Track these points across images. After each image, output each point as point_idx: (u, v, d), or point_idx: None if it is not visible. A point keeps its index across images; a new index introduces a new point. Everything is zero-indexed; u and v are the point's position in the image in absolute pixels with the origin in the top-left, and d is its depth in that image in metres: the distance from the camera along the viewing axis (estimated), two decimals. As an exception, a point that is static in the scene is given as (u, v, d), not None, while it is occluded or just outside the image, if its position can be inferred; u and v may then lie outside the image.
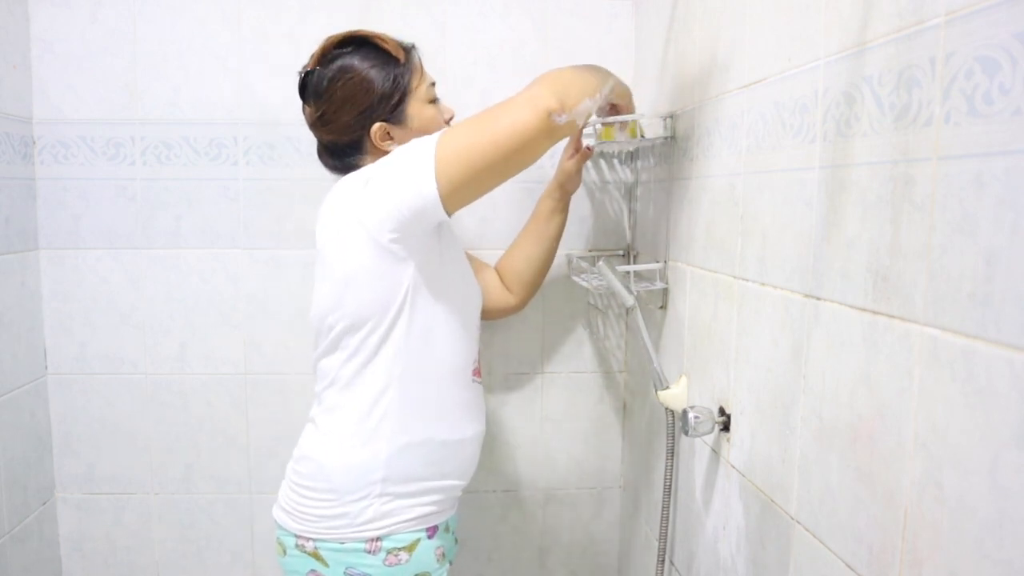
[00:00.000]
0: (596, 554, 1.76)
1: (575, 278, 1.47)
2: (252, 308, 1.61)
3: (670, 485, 1.31)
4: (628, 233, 1.65)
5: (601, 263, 1.20)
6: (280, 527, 1.14)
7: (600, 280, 1.33)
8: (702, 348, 1.17)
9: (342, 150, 1.17)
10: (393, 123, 1.15)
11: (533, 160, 1.04)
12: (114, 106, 1.54)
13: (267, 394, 1.63)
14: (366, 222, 1.03)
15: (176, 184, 1.56)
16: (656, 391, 1.25)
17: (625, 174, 1.63)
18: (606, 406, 1.71)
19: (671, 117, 1.31)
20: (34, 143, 1.54)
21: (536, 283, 1.46)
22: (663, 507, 1.31)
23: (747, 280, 1.00)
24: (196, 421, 1.63)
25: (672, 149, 1.32)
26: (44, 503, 1.59)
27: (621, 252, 1.64)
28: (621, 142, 1.33)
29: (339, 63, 1.13)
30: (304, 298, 1.60)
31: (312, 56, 1.17)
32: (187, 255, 1.59)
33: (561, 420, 1.70)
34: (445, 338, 1.11)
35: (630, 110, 1.24)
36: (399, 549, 1.08)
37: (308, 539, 1.09)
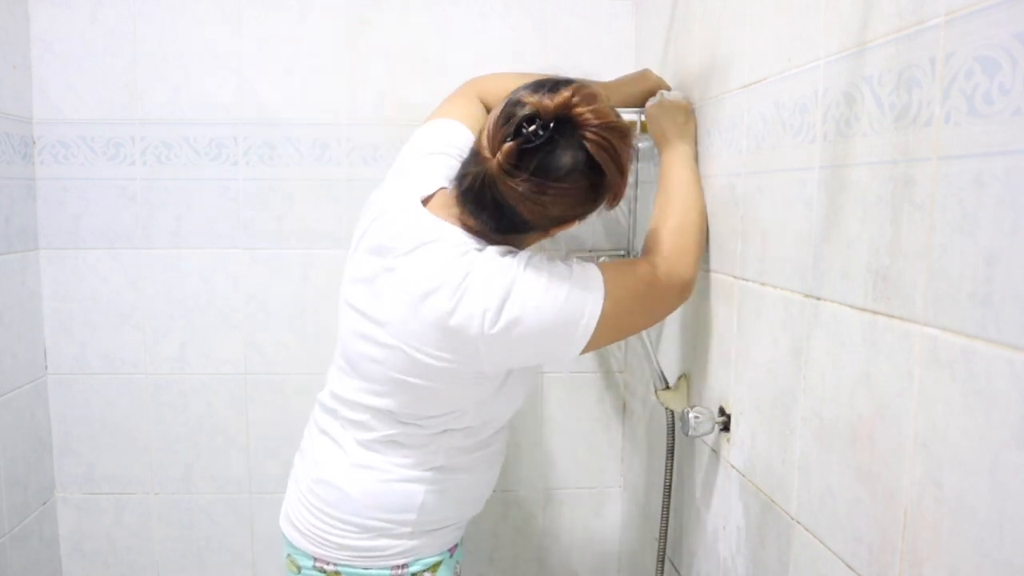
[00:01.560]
0: (596, 554, 1.76)
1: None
2: (252, 308, 1.61)
3: (670, 485, 1.31)
4: (628, 233, 1.64)
5: (602, 261, 1.20)
6: (294, 547, 1.08)
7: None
8: (702, 348, 1.17)
9: (512, 220, 0.93)
10: (561, 226, 0.99)
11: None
12: (114, 106, 1.54)
13: (267, 394, 1.63)
14: (484, 356, 0.92)
15: (176, 184, 1.56)
16: (656, 391, 1.25)
17: (625, 174, 1.63)
18: (606, 406, 1.71)
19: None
20: (34, 143, 1.54)
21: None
22: (663, 507, 1.31)
23: (747, 280, 1.00)
24: (196, 421, 1.63)
25: (672, 149, 1.32)
26: (44, 503, 1.59)
27: (621, 252, 1.64)
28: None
29: (594, 154, 0.89)
30: (304, 298, 1.60)
31: (556, 99, 0.88)
32: (187, 255, 1.59)
33: (561, 420, 1.70)
34: (497, 418, 1.08)
35: None
36: (423, 572, 1.07)
37: (328, 563, 1.05)
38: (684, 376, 1.24)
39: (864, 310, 0.73)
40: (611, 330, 0.95)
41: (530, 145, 0.86)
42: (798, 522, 0.87)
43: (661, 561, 1.34)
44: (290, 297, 1.60)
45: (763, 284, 0.95)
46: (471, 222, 0.96)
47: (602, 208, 0.96)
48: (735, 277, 1.04)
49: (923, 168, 0.64)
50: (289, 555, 1.11)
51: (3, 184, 1.43)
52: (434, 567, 1.09)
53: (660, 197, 1.10)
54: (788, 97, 0.88)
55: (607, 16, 1.59)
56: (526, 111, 0.87)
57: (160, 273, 1.59)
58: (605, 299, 0.93)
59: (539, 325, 0.91)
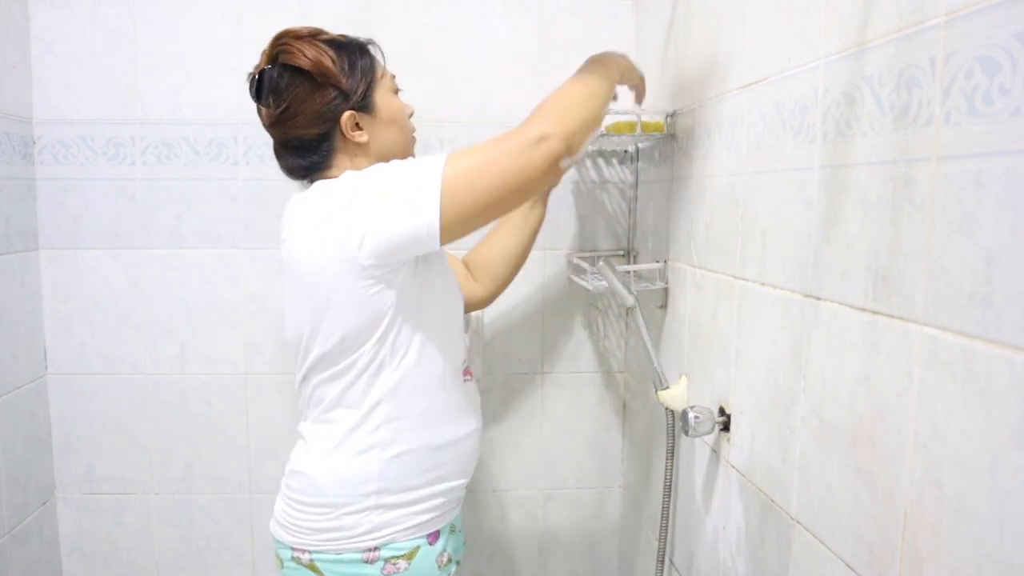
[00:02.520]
0: (596, 554, 1.76)
1: (575, 278, 1.47)
2: (252, 308, 1.61)
3: (670, 485, 1.31)
4: (628, 233, 1.65)
5: (601, 263, 1.20)
6: (276, 540, 1.11)
7: (600, 280, 1.33)
8: (702, 348, 1.17)
9: (309, 145, 1.09)
10: (363, 112, 1.09)
11: (530, 199, 1.07)
12: (114, 106, 1.54)
13: (267, 394, 1.63)
14: (351, 245, 0.97)
15: (176, 184, 1.56)
16: (656, 391, 1.25)
17: (625, 174, 1.63)
18: (606, 406, 1.71)
19: (671, 116, 1.31)
20: (34, 143, 1.54)
21: (508, 278, 1.38)
22: (663, 507, 1.31)
23: (747, 280, 1.00)
24: (196, 421, 1.63)
25: (672, 149, 1.32)
26: (44, 503, 1.59)
27: (621, 252, 1.64)
28: (625, 136, 1.32)
29: (303, 53, 1.07)
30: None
31: (263, 54, 1.11)
32: (187, 255, 1.59)
33: (561, 420, 1.70)
34: (431, 350, 1.08)
35: (642, 93, 1.22)
36: (397, 557, 1.06)
37: (304, 551, 1.07)
38: (684, 376, 1.24)
39: (864, 310, 0.73)
40: (464, 183, 0.95)
41: (252, 85, 1.10)
42: (798, 522, 0.87)
43: (661, 561, 1.34)
44: (290, 297, 1.60)
45: (763, 284, 0.95)
46: (299, 173, 1.14)
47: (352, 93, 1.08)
48: (735, 277, 1.04)
49: (923, 168, 0.64)
50: (276, 551, 1.13)
51: (3, 184, 1.44)
52: (410, 554, 1.07)
53: None
54: (788, 97, 0.88)
55: (607, 16, 1.59)
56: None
57: (160, 273, 1.59)
58: (449, 158, 0.97)
59: (381, 190, 0.98)
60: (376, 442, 1.06)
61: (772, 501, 0.94)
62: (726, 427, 1.07)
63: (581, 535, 1.75)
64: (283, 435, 1.64)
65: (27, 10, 1.51)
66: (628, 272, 1.29)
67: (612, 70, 1.12)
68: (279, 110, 1.08)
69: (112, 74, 1.53)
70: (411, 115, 1.19)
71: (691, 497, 1.23)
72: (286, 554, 1.09)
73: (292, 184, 1.57)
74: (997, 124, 0.55)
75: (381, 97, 1.12)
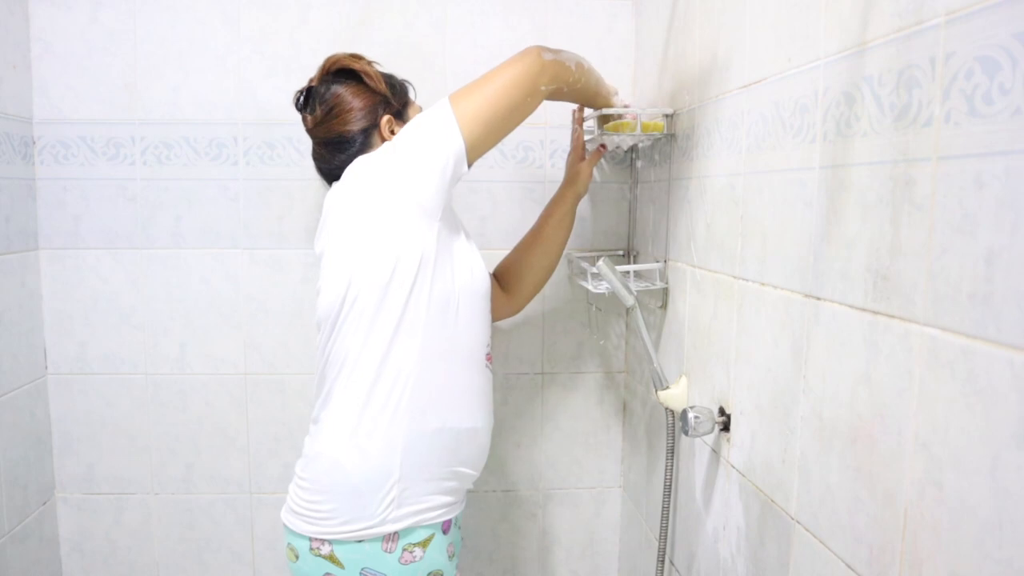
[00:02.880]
0: (596, 554, 1.76)
1: (575, 278, 1.47)
2: (252, 308, 1.61)
3: (670, 485, 1.31)
4: (628, 233, 1.65)
5: (601, 263, 1.20)
6: (291, 531, 1.11)
7: (600, 280, 1.33)
8: (702, 348, 1.17)
9: (352, 141, 1.19)
10: (398, 119, 1.22)
11: (536, 103, 1.18)
12: (114, 106, 1.54)
13: (267, 394, 1.63)
14: (398, 184, 1.07)
15: (176, 184, 1.56)
16: (656, 391, 1.25)
17: (625, 174, 1.63)
18: (606, 406, 1.71)
19: (671, 116, 1.31)
20: (34, 143, 1.54)
21: (537, 289, 1.45)
22: (663, 507, 1.31)
23: (747, 280, 1.00)
24: (196, 421, 1.63)
25: (672, 149, 1.32)
26: (44, 503, 1.59)
27: (621, 252, 1.64)
28: (625, 136, 1.32)
29: (352, 63, 1.21)
30: (304, 298, 1.61)
31: (317, 73, 1.23)
32: (187, 255, 1.59)
33: (561, 420, 1.70)
34: (462, 316, 1.11)
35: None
36: (414, 545, 1.08)
37: (324, 541, 1.07)
38: (684, 376, 1.24)
39: (864, 310, 0.73)
40: (469, 100, 1.11)
41: (300, 99, 1.23)
42: (798, 522, 0.87)
43: (661, 561, 1.34)
44: (290, 297, 1.60)
45: (763, 284, 0.95)
46: (334, 171, 1.21)
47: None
48: (735, 277, 1.04)
49: (923, 168, 0.64)
50: (288, 544, 1.13)
51: (3, 184, 1.44)
52: (425, 542, 1.09)
53: None
54: (788, 97, 0.88)
55: (607, 16, 1.59)
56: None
57: (160, 273, 1.59)
58: (451, 97, 1.12)
59: (411, 135, 1.11)
60: (401, 420, 1.07)
61: (772, 501, 0.94)
62: (726, 427, 1.07)
63: (581, 535, 1.75)
64: (283, 435, 1.64)
65: (27, 10, 1.51)
66: (628, 272, 1.29)
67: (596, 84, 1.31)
68: (327, 113, 1.20)
69: (112, 74, 1.53)
70: None
71: (691, 497, 1.23)
72: (303, 545, 1.09)
73: (290, 185, 1.58)
74: (997, 124, 0.55)
75: (412, 114, 1.25)
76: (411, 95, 1.29)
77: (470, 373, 1.14)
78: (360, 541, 1.06)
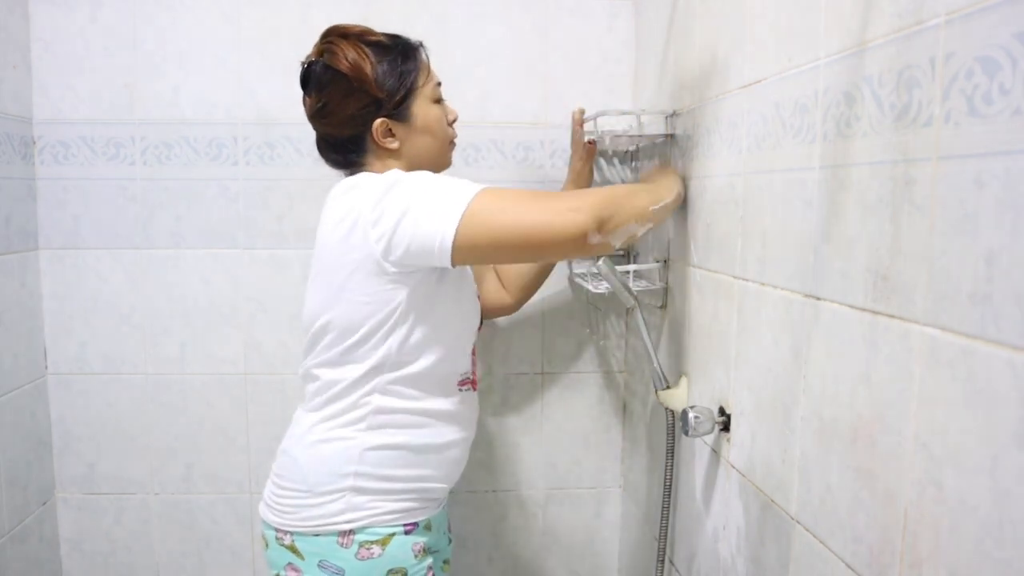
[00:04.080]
0: (596, 554, 1.76)
1: (575, 278, 1.47)
2: (252, 308, 1.61)
3: (670, 485, 1.31)
4: (628, 233, 1.64)
5: (601, 263, 1.20)
6: (263, 522, 1.15)
7: (600, 280, 1.33)
8: (702, 348, 1.17)
9: (342, 144, 1.15)
10: (396, 120, 1.13)
11: (551, 261, 1.11)
12: (114, 106, 1.54)
13: (267, 394, 1.63)
14: (372, 239, 1.01)
15: (176, 184, 1.56)
16: (656, 391, 1.25)
17: (625, 174, 1.63)
18: (606, 406, 1.71)
19: (671, 116, 1.31)
20: (34, 143, 1.54)
21: (535, 286, 1.45)
22: (663, 507, 1.31)
23: (747, 280, 1.00)
24: (196, 421, 1.63)
25: (672, 149, 1.32)
26: (44, 503, 1.59)
27: (621, 252, 1.64)
28: (621, 137, 1.33)
29: (345, 55, 1.10)
30: (304, 298, 1.60)
31: (315, 46, 1.15)
32: (187, 255, 1.59)
33: (561, 420, 1.70)
34: (432, 354, 1.10)
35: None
36: (371, 543, 1.08)
37: (286, 532, 1.10)
38: (684, 376, 1.24)
39: (864, 310, 0.73)
40: (486, 215, 0.98)
41: (302, 75, 1.15)
42: (798, 522, 0.87)
43: (661, 561, 1.34)
44: (290, 297, 1.60)
45: (763, 284, 0.95)
46: (338, 165, 1.18)
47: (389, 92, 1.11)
48: (735, 277, 1.04)
49: (923, 168, 0.64)
50: (262, 532, 1.16)
51: (3, 184, 1.43)
52: (384, 540, 1.08)
53: None
54: (788, 97, 0.88)
55: (607, 16, 1.59)
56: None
57: (160, 273, 1.59)
58: (485, 189, 1.01)
59: (413, 196, 1.01)
60: (360, 430, 1.09)
61: (772, 501, 0.94)
62: (726, 427, 1.07)
63: (581, 535, 1.75)
64: (283, 435, 1.63)
65: (27, 10, 1.51)
66: (628, 272, 1.29)
67: (673, 184, 1.18)
68: (318, 106, 1.13)
69: (112, 74, 1.53)
70: (453, 121, 1.22)
71: (691, 497, 1.23)
72: (270, 535, 1.13)
73: (290, 185, 1.58)
74: (997, 124, 0.55)
75: (419, 106, 1.14)
76: (421, 74, 1.15)
77: (436, 400, 1.13)
78: (316, 535, 1.08)
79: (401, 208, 1.00)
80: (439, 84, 1.20)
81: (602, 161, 1.63)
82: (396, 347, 1.07)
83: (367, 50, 1.11)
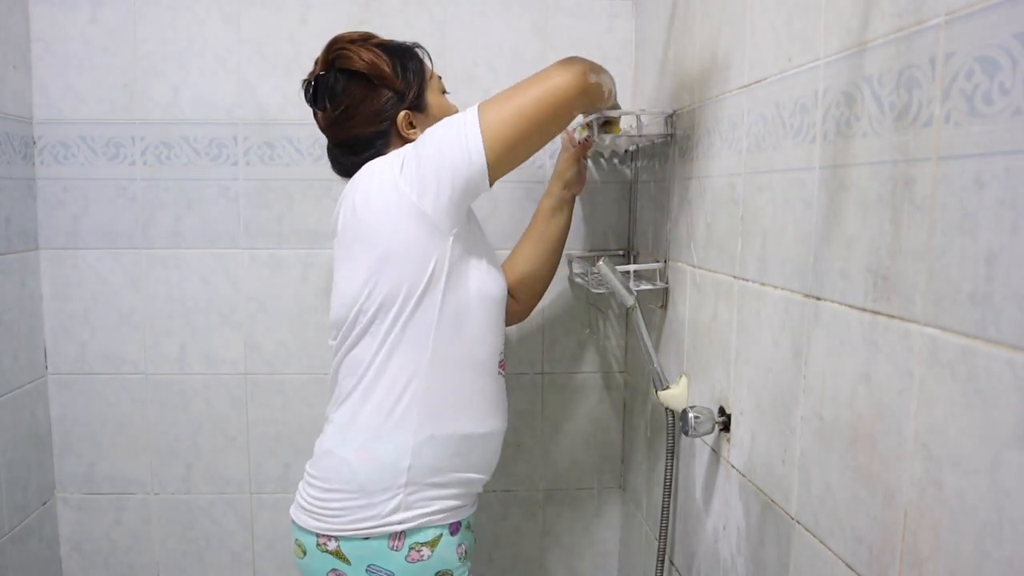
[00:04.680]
0: (596, 554, 1.76)
1: (575, 278, 1.47)
2: (252, 308, 1.61)
3: (670, 485, 1.31)
4: (628, 233, 1.65)
5: (601, 263, 1.20)
6: (300, 527, 1.12)
7: (600, 280, 1.33)
8: (702, 348, 1.17)
9: (367, 143, 1.15)
10: (416, 111, 1.17)
11: (570, 120, 1.11)
12: (114, 106, 1.54)
13: (267, 394, 1.63)
14: (409, 193, 1.03)
15: (176, 184, 1.56)
16: (656, 391, 1.25)
17: (625, 174, 1.63)
18: (606, 406, 1.71)
19: (672, 116, 1.31)
20: (34, 143, 1.54)
21: (538, 289, 1.42)
22: (663, 507, 1.31)
23: (747, 280, 1.00)
24: (196, 421, 1.63)
25: (672, 149, 1.32)
26: (44, 503, 1.59)
27: (621, 252, 1.64)
28: (620, 138, 1.32)
29: (360, 56, 1.13)
30: (304, 298, 1.61)
31: (317, 61, 1.17)
32: (187, 255, 1.59)
33: (561, 420, 1.70)
34: (475, 324, 1.10)
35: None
36: (421, 544, 1.08)
37: (330, 537, 1.08)
38: (684, 376, 1.24)
39: (864, 310, 0.73)
40: (498, 113, 1.03)
41: (308, 91, 1.17)
42: (798, 522, 0.87)
43: (661, 561, 1.34)
44: (290, 297, 1.60)
45: (763, 284, 0.95)
46: (349, 170, 1.17)
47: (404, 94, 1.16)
48: (735, 277, 1.04)
49: (923, 168, 0.64)
50: (296, 540, 1.13)
51: (3, 184, 1.43)
52: (433, 542, 1.09)
53: None
54: (788, 97, 0.88)
55: (607, 16, 1.59)
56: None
57: (160, 273, 1.59)
58: (478, 104, 1.06)
59: (431, 142, 1.05)
60: (411, 424, 1.07)
61: (772, 501, 0.94)
62: (726, 427, 1.07)
63: (581, 535, 1.75)
64: (283, 435, 1.64)
65: (27, 10, 1.51)
66: (628, 272, 1.29)
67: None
68: (337, 112, 1.14)
69: (112, 74, 1.53)
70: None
71: (691, 497, 1.23)
72: (310, 541, 1.10)
73: (290, 185, 1.58)
74: (997, 124, 0.55)
75: (432, 97, 1.20)
76: (427, 68, 1.21)
77: (483, 381, 1.13)
78: (366, 538, 1.06)
79: (428, 157, 1.04)
80: (441, 78, 1.24)
81: (602, 162, 1.63)
82: (440, 313, 1.06)
83: (377, 51, 1.15)
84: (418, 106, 1.17)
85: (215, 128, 1.56)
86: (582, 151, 1.39)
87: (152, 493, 1.64)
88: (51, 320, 1.58)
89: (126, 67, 1.53)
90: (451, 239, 1.06)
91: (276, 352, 1.62)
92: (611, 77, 1.16)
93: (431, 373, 1.08)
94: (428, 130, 1.08)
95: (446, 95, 1.24)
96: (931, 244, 0.63)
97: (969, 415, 0.59)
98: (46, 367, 1.60)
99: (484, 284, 1.12)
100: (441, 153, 1.03)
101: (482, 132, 1.02)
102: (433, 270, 1.05)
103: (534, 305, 1.44)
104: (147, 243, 1.58)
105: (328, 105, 1.15)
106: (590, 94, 1.09)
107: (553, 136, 1.11)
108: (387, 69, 1.14)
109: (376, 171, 1.08)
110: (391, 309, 1.06)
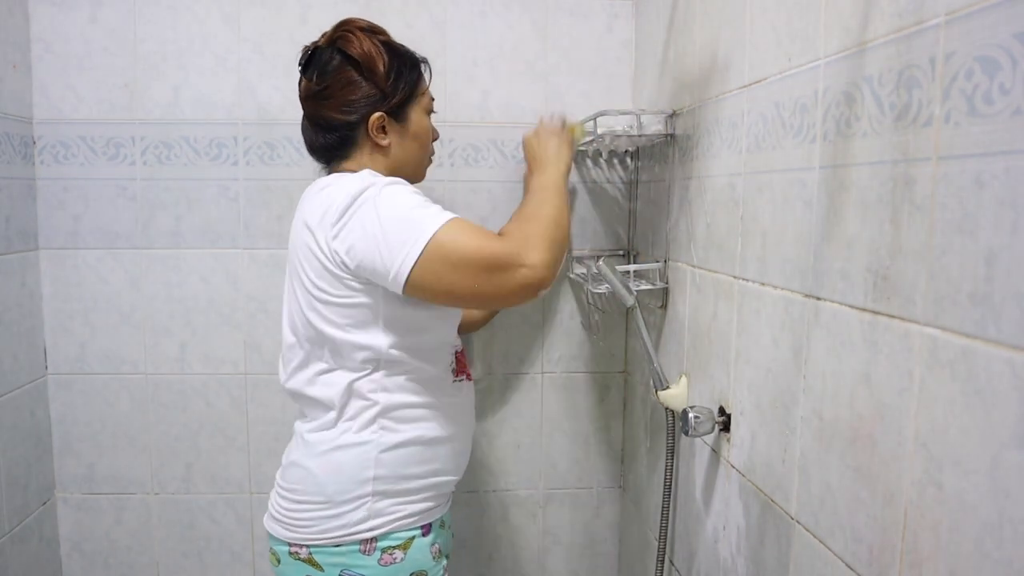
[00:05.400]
0: (596, 554, 1.76)
1: (575, 278, 1.47)
2: (252, 308, 1.61)
3: (670, 485, 1.31)
4: (628, 233, 1.65)
5: (601, 263, 1.20)
6: (272, 537, 1.13)
7: (600, 280, 1.33)
8: (702, 348, 1.17)
9: (333, 128, 1.12)
10: (393, 119, 1.13)
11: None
12: (114, 106, 1.54)
13: (267, 394, 1.63)
14: (339, 248, 1.02)
15: (176, 184, 1.56)
16: (656, 391, 1.25)
17: (625, 174, 1.63)
18: (606, 406, 1.71)
19: (672, 115, 1.31)
20: (34, 143, 1.54)
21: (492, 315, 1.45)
22: (663, 507, 1.31)
23: (747, 280, 1.00)
24: (196, 421, 1.63)
25: (672, 149, 1.32)
26: (44, 503, 1.59)
27: (621, 252, 1.64)
28: (621, 137, 1.33)
29: (360, 43, 1.11)
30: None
31: (324, 34, 1.15)
32: (187, 255, 1.59)
33: (561, 420, 1.70)
34: (427, 345, 1.11)
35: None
36: (393, 548, 1.08)
37: (301, 546, 1.08)
38: (684, 376, 1.24)
39: (864, 310, 0.73)
40: (438, 265, 0.99)
41: (303, 58, 1.15)
42: (798, 522, 0.87)
43: (661, 561, 1.34)
44: (290, 297, 1.60)
45: (763, 284, 0.95)
46: (318, 152, 1.17)
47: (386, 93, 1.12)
48: (735, 277, 1.04)
49: (923, 168, 0.64)
50: (270, 548, 1.14)
51: (3, 184, 1.43)
52: (405, 545, 1.09)
53: (521, 204, 1.20)
54: (788, 97, 0.88)
55: (607, 16, 1.59)
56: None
57: (160, 273, 1.59)
58: (452, 223, 1.01)
59: (376, 218, 1.00)
60: (373, 435, 1.08)
61: (772, 501, 0.94)
62: (726, 427, 1.07)
63: (581, 535, 1.75)
64: (283, 435, 1.63)
65: (27, 10, 1.51)
66: (628, 272, 1.29)
67: (564, 175, 1.23)
68: (318, 88, 1.12)
69: (112, 74, 1.53)
70: (436, 138, 1.24)
71: (691, 497, 1.23)
72: (283, 550, 1.10)
73: (290, 185, 1.58)
74: (997, 124, 0.55)
75: (415, 113, 1.16)
76: (423, 83, 1.18)
77: (436, 395, 1.13)
78: (337, 546, 1.07)
79: (368, 223, 1.00)
80: (433, 100, 1.22)
81: (602, 161, 1.63)
82: (384, 349, 1.06)
83: (380, 47, 1.13)
84: (397, 115, 1.14)
85: (215, 128, 1.56)
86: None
87: (152, 493, 1.64)
88: (51, 320, 1.58)
89: (126, 67, 1.53)
90: (381, 293, 1.05)
91: (276, 352, 1.61)
92: (559, 229, 1.11)
93: (388, 392, 1.08)
94: (396, 194, 1.03)
95: (430, 115, 1.21)
96: (931, 244, 0.63)
97: (969, 415, 0.59)
98: (46, 367, 1.60)
99: (432, 315, 1.11)
100: (376, 241, 1.00)
101: (421, 258, 0.99)
102: (367, 319, 1.06)
103: (494, 314, 1.44)
104: (147, 243, 1.58)
105: (314, 78, 1.13)
106: (534, 298, 1.06)
107: (476, 308, 1.12)
108: (380, 67, 1.11)
109: (326, 207, 1.04)
110: (336, 338, 1.07)
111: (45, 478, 1.59)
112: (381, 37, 1.15)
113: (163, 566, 1.66)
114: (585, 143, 1.48)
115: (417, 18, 1.56)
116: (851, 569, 0.76)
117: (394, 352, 1.07)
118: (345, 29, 1.14)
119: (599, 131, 1.32)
